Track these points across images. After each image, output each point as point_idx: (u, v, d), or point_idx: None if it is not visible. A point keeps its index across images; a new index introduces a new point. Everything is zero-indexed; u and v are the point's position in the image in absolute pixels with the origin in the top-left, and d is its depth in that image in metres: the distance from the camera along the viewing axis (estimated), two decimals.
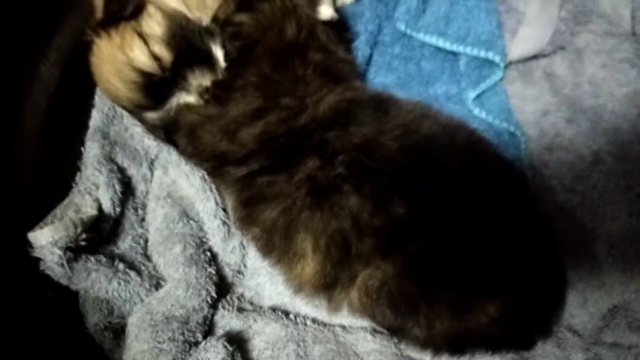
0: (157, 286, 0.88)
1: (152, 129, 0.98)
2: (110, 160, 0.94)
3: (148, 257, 0.92)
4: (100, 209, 0.89)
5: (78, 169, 0.95)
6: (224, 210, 0.94)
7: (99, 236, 0.88)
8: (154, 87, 0.91)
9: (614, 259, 0.86)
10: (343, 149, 0.78)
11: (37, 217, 0.84)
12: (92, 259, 0.83)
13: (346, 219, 0.76)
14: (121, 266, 0.85)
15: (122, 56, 0.89)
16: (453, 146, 0.80)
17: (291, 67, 0.86)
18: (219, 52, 0.92)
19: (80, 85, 0.98)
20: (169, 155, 0.97)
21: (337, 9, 1.02)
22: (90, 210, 0.87)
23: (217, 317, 0.86)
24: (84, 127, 0.99)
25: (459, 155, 0.79)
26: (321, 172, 0.77)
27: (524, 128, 0.98)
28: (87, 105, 0.99)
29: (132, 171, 0.97)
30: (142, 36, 0.90)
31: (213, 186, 0.94)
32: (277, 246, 0.81)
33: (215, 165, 0.89)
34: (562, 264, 0.84)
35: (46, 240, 0.79)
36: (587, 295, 0.86)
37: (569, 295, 0.85)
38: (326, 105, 0.82)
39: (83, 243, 0.83)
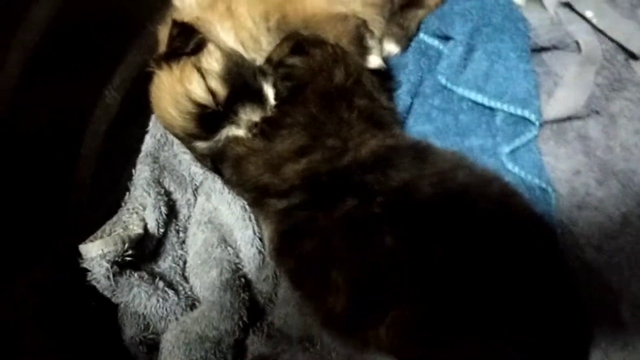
0: (192, 307, 0.92)
1: (200, 157, 1.03)
2: (158, 183, 1.00)
3: (185, 278, 0.96)
4: (145, 228, 0.94)
5: (128, 189, 1.01)
6: (261, 239, 0.99)
7: (142, 254, 0.93)
8: (207, 119, 0.97)
9: (638, 320, 0.88)
10: (381, 191, 0.82)
11: (88, 231, 0.89)
12: (136, 274, 0.88)
13: (381, 259, 0.79)
14: (161, 284, 0.90)
15: (181, 88, 0.96)
16: (487, 196, 0.83)
17: (337, 110, 0.91)
18: (270, 91, 0.99)
19: (137, 112, 1.05)
20: (213, 184, 1.02)
21: (384, 59, 1.07)
22: (136, 229, 0.92)
23: (247, 342, 0.89)
24: (137, 150, 1.05)
25: (492, 205, 0.82)
26: (359, 211, 0.81)
27: (555, 185, 1.00)
28: (141, 131, 1.06)
29: (177, 195, 1.03)
30: (200, 71, 0.97)
31: (252, 216, 0.99)
32: (310, 279, 0.84)
33: (256, 196, 0.94)
34: (588, 321, 0.86)
35: (96, 252, 0.84)
36: (610, 353, 0.87)
37: (592, 352, 0.86)
38: (368, 149, 0.87)
39: (128, 259, 0.88)
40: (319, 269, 0.83)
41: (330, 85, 0.95)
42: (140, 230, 0.91)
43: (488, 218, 0.81)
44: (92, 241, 0.85)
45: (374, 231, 0.80)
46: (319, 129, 0.90)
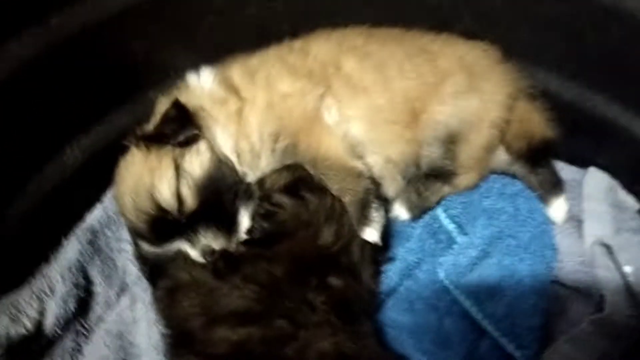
0: None
1: (140, 258, 0.88)
2: (82, 271, 0.85)
3: None
4: (39, 325, 0.78)
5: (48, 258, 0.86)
6: None
7: (19, 356, 0.76)
8: (162, 225, 0.82)
9: None
10: None
11: None
12: None
13: None
14: None
15: (148, 180, 0.82)
16: None
17: (305, 285, 0.76)
18: (244, 222, 0.84)
19: (96, 179, 0.90)
20: (143, 293, 0.87)
21: (386, 223, 0.92)
22: (26, 323, 0.77)
23: None
24: (79, 218, 0.90)
25: None
26: None
27: None
28: (93, 200, 0.91)
29: (98, 289, 0.88)
30: (178, 170, 0.82)
31: (169, 352, 0.83)
32: None
33: (176, 341, 0.78)
34: None
35: None
36: None
37: None
38: (318, 351, 0.71)
39: None
40: None
41: (310, 247, 0.80)
42: (25, 329, 0.75)
43: None
44: None
45: None
46: (273, 299, 0.75)
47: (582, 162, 1.10)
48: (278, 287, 0.76)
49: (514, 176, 1.03)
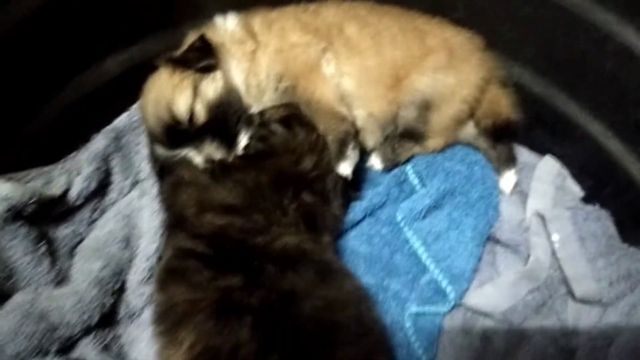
0: (59, 283, 0.93)
1: (153, 157, 1.06)
2: (105, 160, 1.03)
3: (72, 255, 0.98)
4: (66, 192, 0.96)
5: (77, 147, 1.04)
6: (160, 258, 1.00)
7: (48, 213, 0.95)
8: (175, 133, 1.00)
9: None
10: (269, 287, 0.83)
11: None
12: (26, 228, 0.89)
13: (229, 342, 0.80)
14: (43, 249, 0.92)
15: (169, 94, 0.99)
16: (355, 346, 0.84)
17: (281, 193, 0.94)
18: (243, 141, 1.02)
19: (128, 92, 1.08)
20: (151, 187, 1.05)
21: (360, 168, 1.10)
22: (55, 190, 0.95)
23: (81, 342, 0.90)
24: (108, 122, 1.09)
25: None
26: (237, 292, 0.83)
27: None
28: (121, 110, 1.09)
29: (115, 178, 1.06)
30: (195, 90, 1.00)
31: (164, 234, 1.01)
32: (166, 324, 0.86)
33: (172, 222, 0.96)
34: None
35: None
36: None
37: None
38: (283, 243, 0.89)
39: (30, 209, 0.90)
40: (177, 320, 0.84)
41: (292, 168, 0.98)
42: (54, 193, 0.94)
43: None
44: (4, 181, 0.87)
45: (237, 317, 0.81)
46: (255, 200, 0.93)
47: (540, 149, 1.26)
48: (260, 191, 0.94)
49: (477, 149, 1.20)
